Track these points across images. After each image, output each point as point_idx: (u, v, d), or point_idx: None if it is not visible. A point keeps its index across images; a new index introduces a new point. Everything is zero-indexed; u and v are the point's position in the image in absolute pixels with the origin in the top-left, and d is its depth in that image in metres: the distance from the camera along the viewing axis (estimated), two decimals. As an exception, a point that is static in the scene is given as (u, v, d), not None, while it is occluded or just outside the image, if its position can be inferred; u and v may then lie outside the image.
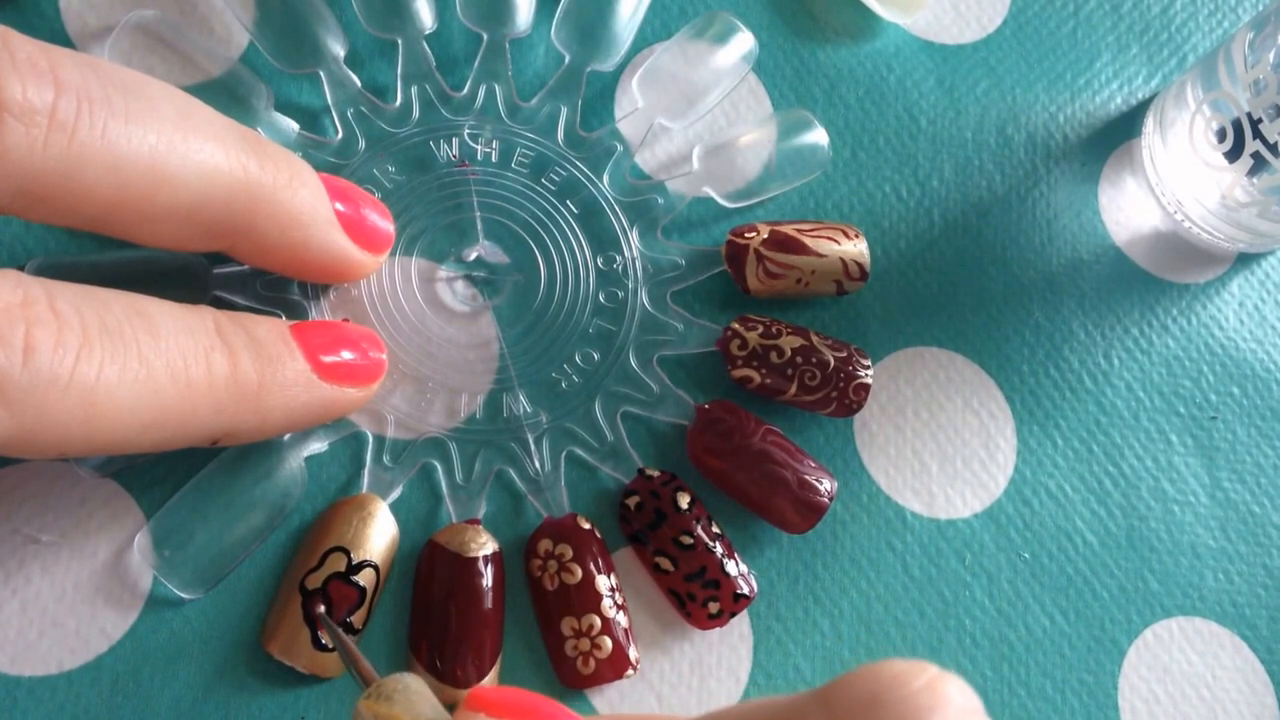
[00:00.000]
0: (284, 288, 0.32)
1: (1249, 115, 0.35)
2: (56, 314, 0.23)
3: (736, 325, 0.34)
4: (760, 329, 0.34)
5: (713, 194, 0.36)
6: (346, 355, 0.29)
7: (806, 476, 0.33)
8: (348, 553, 0.30)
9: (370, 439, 0.32)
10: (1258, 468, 0.37)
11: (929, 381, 0.36)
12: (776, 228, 0.35)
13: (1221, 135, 0.36)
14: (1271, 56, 0.34)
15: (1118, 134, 0.40)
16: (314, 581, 0.30)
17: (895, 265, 0.37)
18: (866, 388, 0.34)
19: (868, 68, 0.39)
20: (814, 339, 0.34)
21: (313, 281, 0.32)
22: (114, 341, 0.23)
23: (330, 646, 0.29)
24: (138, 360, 0.24)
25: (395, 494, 0.32)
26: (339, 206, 0.29)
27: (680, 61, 0.36)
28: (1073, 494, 0.36)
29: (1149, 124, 0.40)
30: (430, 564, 0.31)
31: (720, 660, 0.32)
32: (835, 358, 0.34)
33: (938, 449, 0.35)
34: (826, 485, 0.33)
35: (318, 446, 0.32)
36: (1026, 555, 0.35)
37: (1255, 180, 0.35)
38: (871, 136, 0.38)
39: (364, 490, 0.31)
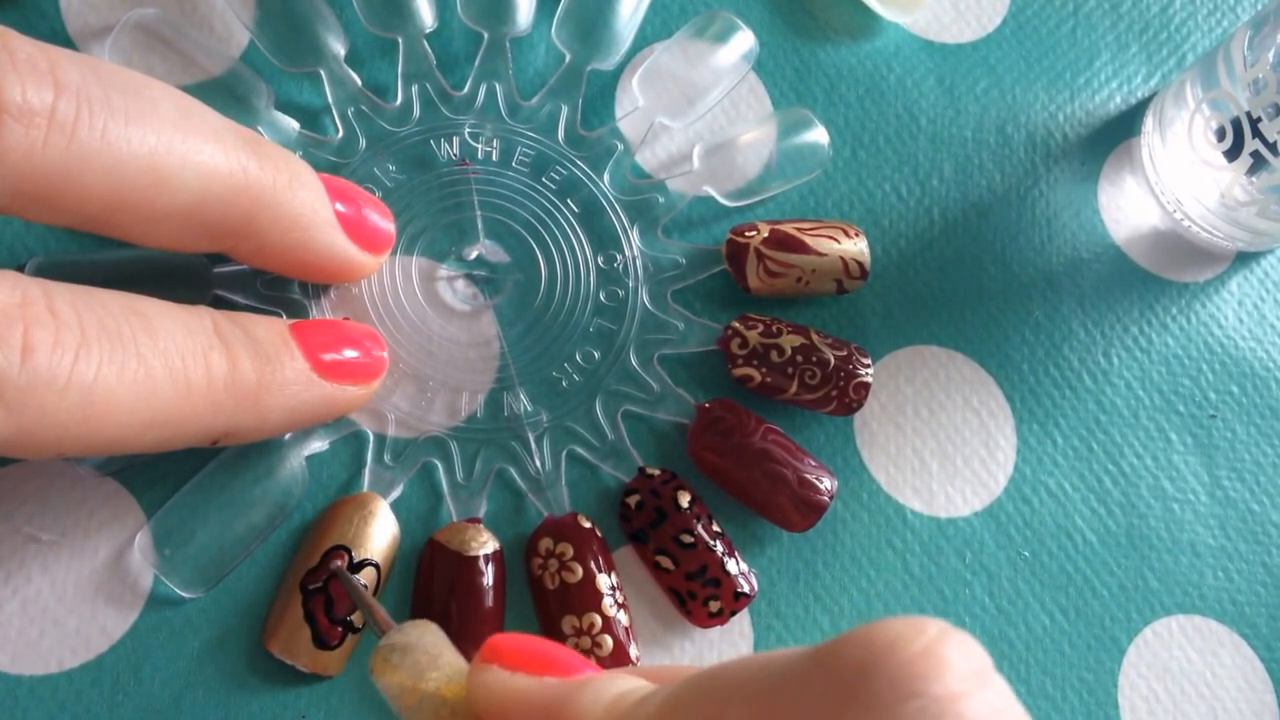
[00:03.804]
0: (284, 287, 0.32)
1: (1248, 114, 0.35)
2: (54, 314, 0.23)
3: (737, 324, 0.34)
4: (760, 328, 0.34)
5: (713, 193, 0.36)
6: (348, 353, 0.29)
7: (807, 475, 0.33)
8: (349, 551, 0.30)
9: (371, 438, 0.32)
10: (1257, 466, 0.37)
11: (929, 380, 0.36)
12: (777, 226, 0.35)
13: (1221, 134, 0.36)
14: (1270, 56, 0.34)
15: (1117, 133, 0.40)
16: (315, 580, 0.30)
17: (895, 264, 0.37)
18: (867, 386, 0.34)
19: (868, 67, 0.39)
20: (814, 338, 0.34)
21: (313, 282, 0.32)
22: (112, 341, 0.23)
23: (334, 644, 0.29)
24: (136, 360, 0.24)
25: (396, 493, 0.32)
26: (339, 207, 0.29)
27: (680, 60, 0.36)
28: (1072, 492, 0.36)
29: (1148, 123, 0.40)
30: (431, 563, 0.31)
31: (721, 658, 0.32)
32: (835, 356, 0.34)
33: (938, 447, 0.35)
34: (827, 484, 0.33)
35: (318, 445, 0.32)
36: (1026, 553, 0.35)
37: (1254, 179, 0.35)
38: (871, 135, 0.38)
39: (365, 489, 0.31)
